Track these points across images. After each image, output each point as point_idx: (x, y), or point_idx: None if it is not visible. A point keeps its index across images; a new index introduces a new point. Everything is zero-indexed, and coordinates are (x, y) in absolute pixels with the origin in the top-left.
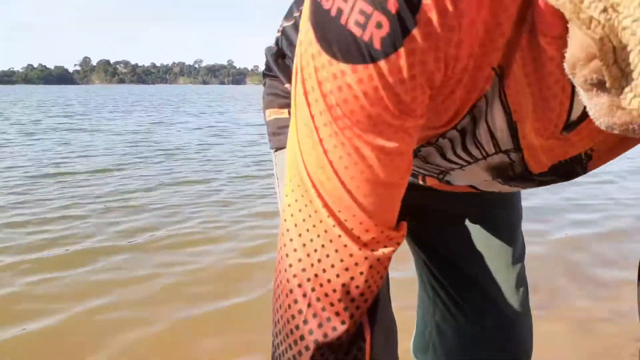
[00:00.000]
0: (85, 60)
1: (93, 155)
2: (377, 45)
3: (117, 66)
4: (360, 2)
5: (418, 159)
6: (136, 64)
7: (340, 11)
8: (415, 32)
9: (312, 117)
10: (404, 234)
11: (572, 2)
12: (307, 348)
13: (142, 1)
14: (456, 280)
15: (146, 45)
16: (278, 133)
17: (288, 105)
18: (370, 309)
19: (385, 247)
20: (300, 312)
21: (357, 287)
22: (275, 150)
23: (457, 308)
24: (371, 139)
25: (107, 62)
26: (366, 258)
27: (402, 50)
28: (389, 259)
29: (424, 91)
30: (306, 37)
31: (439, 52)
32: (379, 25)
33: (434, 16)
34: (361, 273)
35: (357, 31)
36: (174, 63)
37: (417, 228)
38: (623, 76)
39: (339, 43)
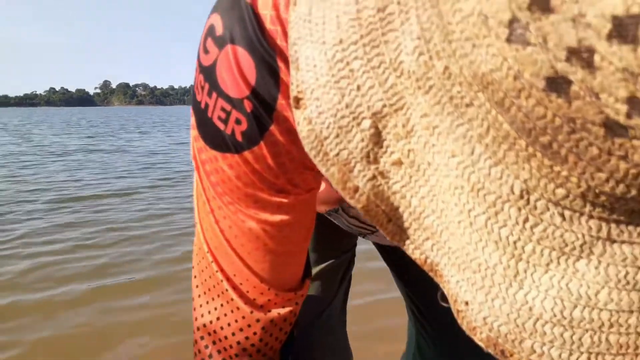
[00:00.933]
0: (106, 84)
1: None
2: (239, 138)
3: (137, 88)
4: (220, 101)
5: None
6: (155, 86)
7: (207, 105)
8: (273, 128)
9: (204, 189)
10: (304, 294)
11: (341, 171)
12: None
13: (162, 24)
14: (425, 302)
15: (165, 67)
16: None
17: None
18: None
19: (282, 307)
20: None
21: (252, 345)
22: None
23: (431, 328)
24: (253, 213)
25: (127, 85)
26: (258, 320)
27: (263, 144)
28: (285, 319)
29: (300, 172)
30: (191, 119)
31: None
32: (238, 122)
33: (289, 114)
34: (255, 333)
35: (220, 125)
36: (192, 85)
37: (384, 255)
38: (402, 231)
39: (209, 133)
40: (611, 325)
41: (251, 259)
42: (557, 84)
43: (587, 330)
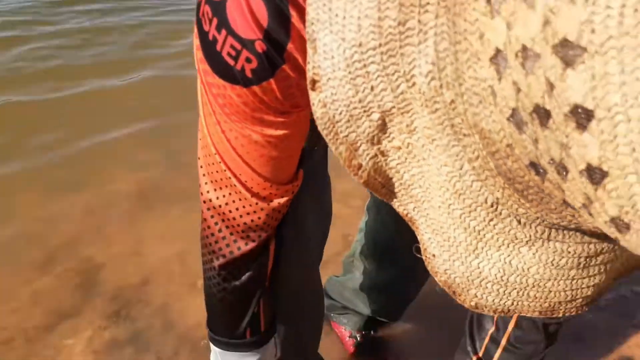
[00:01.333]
0: None
1: None
2: (249, 74)
3: None
4: (230, 39)
5: None
6: None
7: (215, 39)
8: (285, 67)
9: (209, 102)
10: (299, 184)
11: (348, 149)
12: (222, 257)
13: None
14: None
15: None
16: None
17: None
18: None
19: (282, 197)
20: (212, 235)
21: (256, 225)
22: None
23: None
24: (259, 130)
25: None
26: (262, 209)
27: (273, 80)
28: (285, 205)
29: (306, 95)
30: (195, 41)
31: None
32: (248, 60)
33: (299, 55)
34: (259, 218)
35: (230, 61)
36: None
37: None
38: (392, 194)
39: (218, 65)
40: (533, 286)
41: (255, 164)
42: (537, 168)
43: (515, 288)
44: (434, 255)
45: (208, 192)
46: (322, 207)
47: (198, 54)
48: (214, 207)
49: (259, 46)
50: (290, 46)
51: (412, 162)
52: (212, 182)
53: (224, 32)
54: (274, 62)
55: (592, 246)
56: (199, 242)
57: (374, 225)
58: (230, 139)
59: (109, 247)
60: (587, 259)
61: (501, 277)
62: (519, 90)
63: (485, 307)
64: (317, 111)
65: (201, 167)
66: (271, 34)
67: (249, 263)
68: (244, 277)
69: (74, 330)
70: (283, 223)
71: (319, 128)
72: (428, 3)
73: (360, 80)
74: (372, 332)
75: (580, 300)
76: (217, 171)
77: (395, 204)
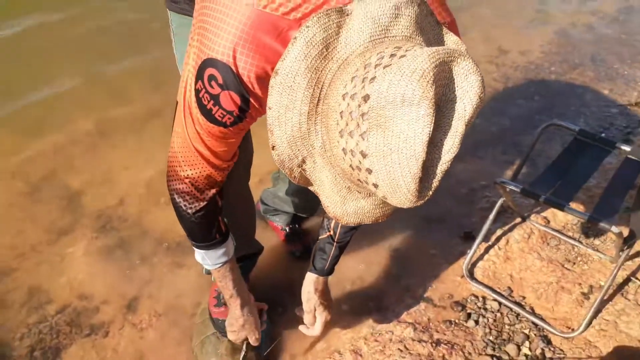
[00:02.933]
0: None
1: None
2: (228, 123)
3: None
4: (220, 110)
5: None
6: None
7: (211, 109)
8: (246, 120)
9: (194, 124)
10: (235, 160)
11: (288, 170)
12: (196, 203)
13: None
14: None
15: None
16: None
17: None
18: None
19: (228, 167)
20: (186, 194)
21: (215, 181)
22: (169, 9)
23: None
24: (223, 142)
25: None
26: (218, 174)
27: (240, 124)
28: (230, 168)
29: (252, 123)
30: (188, 92)
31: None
32: (230, 117)
33: (253, 113)
34: (218, 178)
35: (219, 118)
36: None
37: None
38: (304, 177)
39: (208, 117)
40: (364, 214)
41: (218, 150)
42: (360, 180)
43: (358, 214)
44: (327, 206)
45: (185, 170)
46: (245, 154)
47: (194, 111)
48: (188, 177)
49: (235, 113)
50: (248, 113)
51: (315, 173)
52: (188, 165)
53: (216, 107)
54: (240, 117)
55: (376, 200)
56: (156, 168)
57: None
58: (203, 140)
59: (83, 178)
60: (379, 205)
61: (354, 211)
62: (345, 154)
63: (348, 223)
64: (274, 157)
65: (177, 156)
66: (241, 107)
67: (210, 203)
68: (209, 208)
69: (72, 241)
70: None
71: (276, 163)
72: (315, 123)
73: (293, 147)
74: (297, 225)
75: (380, 218)
76: (190, 156)
77: (309, 187)
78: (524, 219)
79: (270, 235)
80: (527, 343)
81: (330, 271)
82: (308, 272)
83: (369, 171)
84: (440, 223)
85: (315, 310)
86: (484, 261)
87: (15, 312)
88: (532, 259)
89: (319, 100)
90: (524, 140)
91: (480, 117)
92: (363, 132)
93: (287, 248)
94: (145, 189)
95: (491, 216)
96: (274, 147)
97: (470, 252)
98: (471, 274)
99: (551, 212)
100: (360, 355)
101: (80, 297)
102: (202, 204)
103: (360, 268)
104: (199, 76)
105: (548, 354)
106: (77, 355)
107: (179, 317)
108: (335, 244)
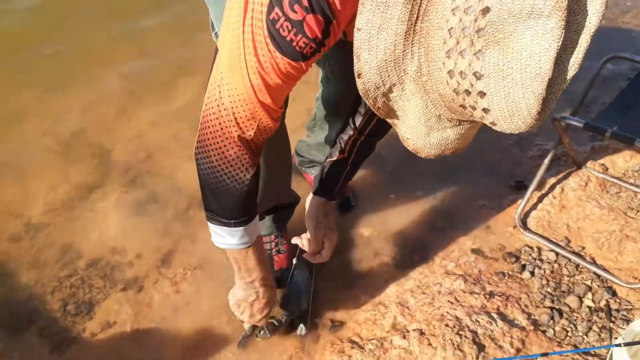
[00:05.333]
0: None
1: None
2: (309, 53)
3: None
4: (303, 39)
5: None
6: None
7: (292, 39)
8: (326, 43)
9: (260, 62)
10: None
11: (371, 99)
12: (250, 168)
13: None
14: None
15: None
16: None
17: None
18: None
19: (278, 118)
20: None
21: (265, 127)
22: None
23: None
24: (281, 87)
25: None
26: (267, 127)
27: (318, 55)
28: (279, 121)
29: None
30: (263, 35)
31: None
32: (311, 48)
33: (331, 41)
34: (270, 125)
35: (298, 49)
36: None
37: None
38: (388, 107)
39: (285, 49)
40: (448, 144)
41: (279, 95)
42: (464, 106)
43: (442, 145)
44: (407, 138)
45: (243, 128)
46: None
47: (264, 48)
48: (244, 137)
49: (317, 40)
50: (328, 40)
51: (401, 101)
52: (249, 120)
53: (300, 36)
54: (320, 47)
55: (463, 129)
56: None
57: (327, 94)
58: (267, 84)
59: (112, 135)
60: (463, 135)
61: (438, 142)
62: (451, 77)
63: (428, 155)
64: (359, 87)
65: (226, 114)
66: (325, 31)
67: (258, 166)
68: (257, 171)
69: (103, 196)
70: None
71: (360, 93)
72: (412, 44)
73: (383, 73)
74: None
75: (459, 149)
76: (252, 109)
77: (387, 119)
78: (579, 167)
79: (307, 188)
80: (589, 295)
81: (337, 195)
82: (314, 195)
83: (482, 94)
84: (488, 173)
85: (324, 235)
86: (538, 210)
87: (49, 268)
88: (591, 207)
89: (417, 17)
90: (577, 85)
91: None
92: (477, 51)
93: None
94: (174, 142)
95: (545, 162)
96: (359, 74)
97: (523, 202)
98: (524, 224)
99: (609, 160)
100: (407, 308)
101: (112, 251)
102: (254, 169)
103: (402, 221)
104: (276, 3)
105: (614, 306)
106: (112, 309)
107: (215, 270)
108: (349, 165)
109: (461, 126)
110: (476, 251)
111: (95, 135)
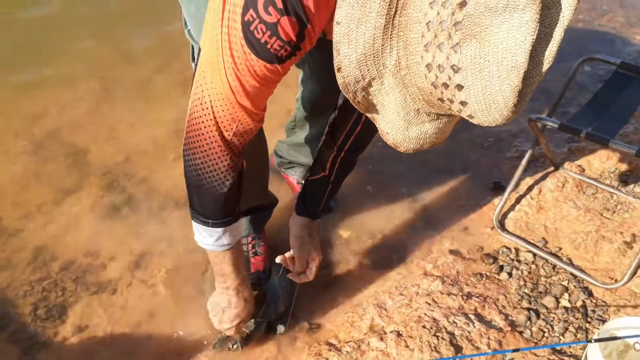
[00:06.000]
0: None
1: None
2: (284, 56)
3: None
4: (278, 41)
5: None
6: None
7: (266, 42)
8: (301, 46)
9: (236, 67)
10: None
11: (351, 93)
12: (230, 170)
13: None
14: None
15: None
16: None
17: None
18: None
19: (261, 118)
20: (203, 122)
21: (246, 129)
22: None
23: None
24: (259, 89)
25: None
26: (255, 125)
27: (294, 58)
28: (261, 122)
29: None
30: (237, 38)
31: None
32: (285, 50)
33: (307, 44)
34: (251, 128)
35: (274, 52)
36: None
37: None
38: (368, 102)
39: (261, 52)
40: (426, 138)
41: (259, 98)
42: (442, 99)
43: (420, 139)
44: (387, 132)
45: (228, 131)
46: None
47: (239, 50)
48: (228, 140)
49: (292, 43)
50: (303, 43)
51: (380, 96)
52: (229, 122)
53: (274, 38)
54: (296, 49)
55: (440, 123)
56: (162, 126)
57: (306, 94)
58: (245, 87)
59: (87, 135)
60: (441, 129)
61: (416, 136)
62: (429, 70)
63: (407, 150)
64: (339, 80)
65: (210, 119)
66: (299, 34)
67: (241, 167)
68: (240, 172)
69: (78, 200)
70: None
71: (340, 87)
72: (391, 38)
73: (362, 67)
74: None
75: (438, 143)
76: (233, 113)
77: (367, 113)
78: (556, 168)
79: (285, 188)
80: (566, 295)
81: (321, 213)
82: (297, 216)
83: (459, 87)
84: (466, 174)
85: (309, 255)
86: (516, 212)
87: (20, 271)
88: (568, 208)
89: (395, 11)
90: (553, 86)
91: None
92: (455, 44)
93: None
94: (152, 145)
95: (522, 163)
96: (339, 68)
97: (501, 203)
98: (502, 225)
99: (586, 161)
100: (385, 309)
101: (85, 254)
102: (236, 170)
103: (381, 222)
104: (250, 4)
105: (590, 306)
106: (83, 312)
107: (191, 273)
108: (330, 184)
109: (439, 120)
110: (454, 252)
111: (70, 136)
